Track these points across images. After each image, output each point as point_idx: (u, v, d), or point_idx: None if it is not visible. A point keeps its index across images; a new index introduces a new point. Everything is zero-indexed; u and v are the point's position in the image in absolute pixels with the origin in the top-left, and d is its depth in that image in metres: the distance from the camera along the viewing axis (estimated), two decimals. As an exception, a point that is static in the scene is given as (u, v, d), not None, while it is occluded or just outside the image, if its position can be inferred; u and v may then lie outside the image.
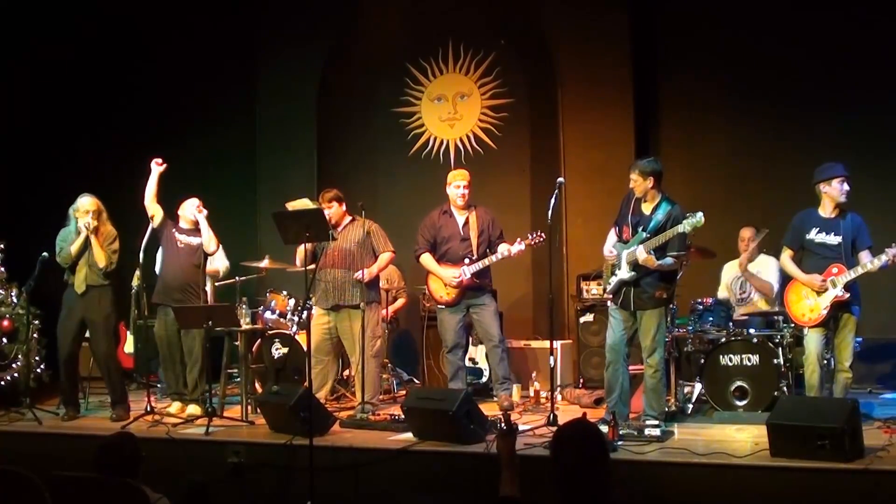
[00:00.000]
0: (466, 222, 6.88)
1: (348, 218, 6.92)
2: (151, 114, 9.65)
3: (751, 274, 6.95)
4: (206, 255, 6.89)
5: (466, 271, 6.73)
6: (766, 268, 6.92)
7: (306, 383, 5.88)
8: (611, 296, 6.01)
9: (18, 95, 9.34)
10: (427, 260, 6.94)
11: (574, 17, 8.52)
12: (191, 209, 6.89)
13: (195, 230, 6.87)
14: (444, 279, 6.81)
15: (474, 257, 6.79)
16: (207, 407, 6.26)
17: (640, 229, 5.85)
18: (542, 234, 6.57)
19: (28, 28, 9.42)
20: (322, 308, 6.80)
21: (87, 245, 6.65)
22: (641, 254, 5.72)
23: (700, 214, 5.58)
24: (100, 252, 6.64)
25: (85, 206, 6.67)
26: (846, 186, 5.77)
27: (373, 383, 6.67)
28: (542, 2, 8.73)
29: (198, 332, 6.62)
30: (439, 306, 6.95)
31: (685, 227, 5.62)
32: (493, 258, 6.73)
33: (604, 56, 8.40)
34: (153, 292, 6.96)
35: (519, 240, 6.65)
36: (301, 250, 6.53)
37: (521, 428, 5.67)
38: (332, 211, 6.82)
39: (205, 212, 6.84)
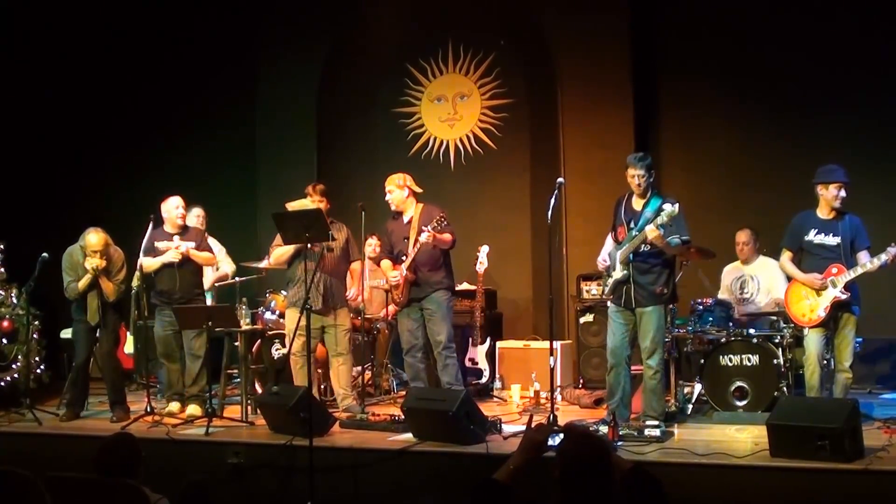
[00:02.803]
0: (409, 221, 6.82)
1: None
2: (151, 114, 9.65)
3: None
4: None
5: (403, 268, 6.68)
6: (768, 272, 6.89)
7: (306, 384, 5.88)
8: (611, 296, 6.01)
9: (19, 97, 9.34)
10: (382, 265, 6.98)
11: (574, 18, 8.52)
12: (174, 212, 6.84)
13: (182, 232, 6.86)
14: (389, 281, 6.84)
15: (410, 253, 6.72)
16: (207, 407, 6.26)
17: (631, 225, 5.85)
18: (443, 214, 6.50)
19: (27, 29, 9.44)
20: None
21: (94, 281, 6.62)
22: (652, 232, 5.65)
23: (678, 204, 5.60)
24: (109, 286, 6.66)
25: (92, 246, 6.58)
26: (843, 193, 5.78)
27: (346, 377, 6.73)
28: (542, 2, 8.73)
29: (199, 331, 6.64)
30: (398, 309, 6.91)
31: (663, 217, 5.59)
32: (416, 248, 6.61)
33: (604, 56, 8.40)
34: (152, 293, 6.96)
35: (423, 228, 6.52)
36: (287, 250, 6.57)
37: (519, 428, 5.68)
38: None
39: (184, 246, 6.72)
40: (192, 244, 6.82)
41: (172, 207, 6.86)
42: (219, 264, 7.65)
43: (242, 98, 9.39)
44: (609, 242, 6.11)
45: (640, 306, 5.84)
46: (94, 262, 6.56)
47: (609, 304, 6.09)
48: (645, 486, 3.14)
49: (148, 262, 6.80)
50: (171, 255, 6.73)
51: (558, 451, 2.96)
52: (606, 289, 6.02)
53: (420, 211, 6.79)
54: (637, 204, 5.93)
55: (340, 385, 6.72)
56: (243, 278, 7.85)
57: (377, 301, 7.79)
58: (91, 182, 9.53)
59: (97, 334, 6.80)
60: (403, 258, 6.71)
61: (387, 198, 6.85)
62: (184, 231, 6.88)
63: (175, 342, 6.83)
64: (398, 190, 6.80)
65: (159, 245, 6.84)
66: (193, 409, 6.65)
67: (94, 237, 6.61)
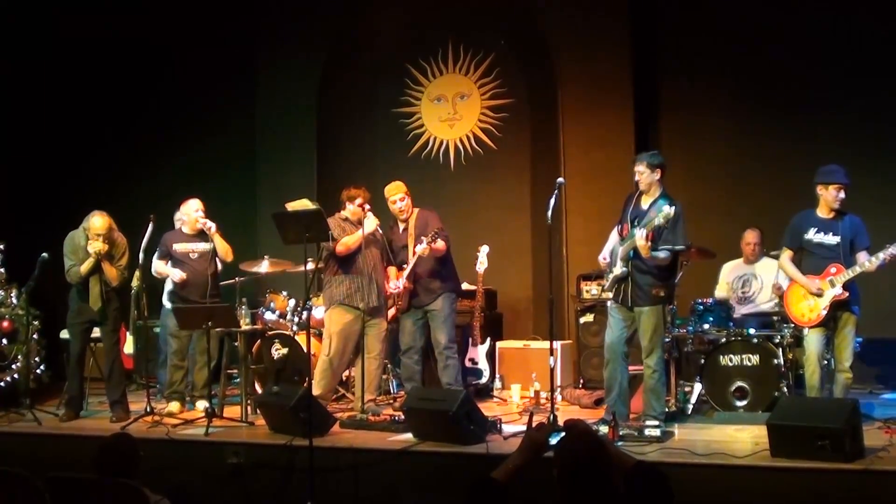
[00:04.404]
0: (406, 229, 6.80)
1: None
2: (151, 115, 9.66)
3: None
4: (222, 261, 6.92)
5: (403, 277, 6.65)
6: (772, 272, 6.87)
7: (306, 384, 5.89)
8: (611, 293, 6.01)
9: (19, 97, 9.34)
10: (388, 272, 6.94)
11: (574, 18, 8.51)
12: (194, 215, 6.84)
13: (200, 234, 6.85)
14: (388, 290, 6.82)
15: (409, 262, 6.68)
16: (207, 407, 6.26)
17: (635, 223, 5.86)
18: (440, 227, 6.47)
19: (27, 29, 9.44)
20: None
21: (97, 265, 6.57)
22: (640, 239, 5.69)
23: (674, 207, 5.59)
24: (112, 271, 6.60)
25: (96, 229, 6.51)
26: (842, 195, 5.77)
27: (378, 380, 6.74)
28: (542, 3, 8.73)
29: (213, 333, 6.64)
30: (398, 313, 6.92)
31: (659, 219, 5.61)
32: (412, 262, 6.60)
33: (604, 56, 8.40)
34: (168, 294, 6.95)
35: (422, 238, 6.53)
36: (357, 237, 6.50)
37: (519, 428, 5.68)
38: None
39: (212, 225, 6.75)
40: (215, 225, 6.78)
41: (192, 210, 6.86)
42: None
43: (242, 98, 9.38)
44: (613, 237, 6.10)
45: (637, 306, 5.85)
46: (97, 246, 6.48)
47: (609, 300, 6.10)
48: (651, 481, 3.12)
49: (161, 268, 6.82)
50: (176, 277, 6.76)
51: (557, 448, 2.96)
52: (607, 284, 6.04)
53: (415, 217, 6.77)
54: (644, 202, 5.93)
55: (372, 388, 6.62)
56: (243, 278, 7.85)
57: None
58: (91, 182, 9.53)
59: (92, 327, 6.77)
60: (405, 266, 6.71)
61: (400, 206, 6.77)
62: (201, 233, 6.86)
63: (188, 341, 6.84)
64: (408, 198, 6.79)
65: (178, 247, 6.84)
66: (203, 404, 6.67)
67: (98, 220, 6.53)
